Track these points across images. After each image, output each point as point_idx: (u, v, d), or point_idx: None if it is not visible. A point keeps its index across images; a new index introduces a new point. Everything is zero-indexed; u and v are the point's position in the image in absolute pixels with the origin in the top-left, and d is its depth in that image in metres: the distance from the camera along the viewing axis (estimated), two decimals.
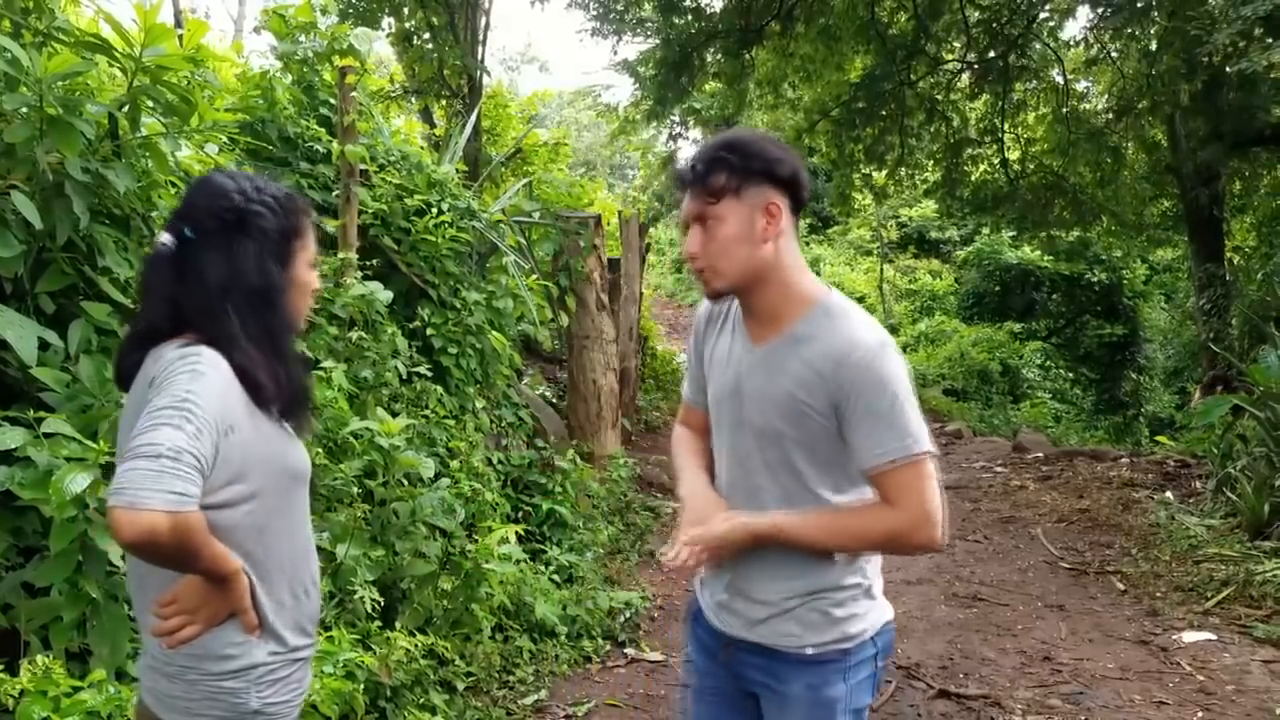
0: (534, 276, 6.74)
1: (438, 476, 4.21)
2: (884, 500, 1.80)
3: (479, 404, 5.57)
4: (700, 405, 2.11)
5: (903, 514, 1.78)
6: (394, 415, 4.11)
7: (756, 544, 1.85)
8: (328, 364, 4.06)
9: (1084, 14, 13.50)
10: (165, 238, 1.65)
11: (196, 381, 1.48)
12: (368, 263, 4.97)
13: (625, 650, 4.83)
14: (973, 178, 14.72)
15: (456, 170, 6.46)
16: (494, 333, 5.73)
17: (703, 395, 2.09)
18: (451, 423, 5.01)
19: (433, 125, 12.57)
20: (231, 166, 3.90)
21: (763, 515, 1.84)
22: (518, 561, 4.50)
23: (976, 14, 13.14)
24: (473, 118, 8.41)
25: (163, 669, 1.61)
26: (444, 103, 12.98)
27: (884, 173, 15.35)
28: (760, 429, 1.88)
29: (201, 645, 1.58)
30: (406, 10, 12.53)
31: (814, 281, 1.91)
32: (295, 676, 1.69)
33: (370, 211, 5.18)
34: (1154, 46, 11.65)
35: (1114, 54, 12.89)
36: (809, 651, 1.88)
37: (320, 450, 3.71)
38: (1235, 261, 15.19)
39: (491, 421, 5.77)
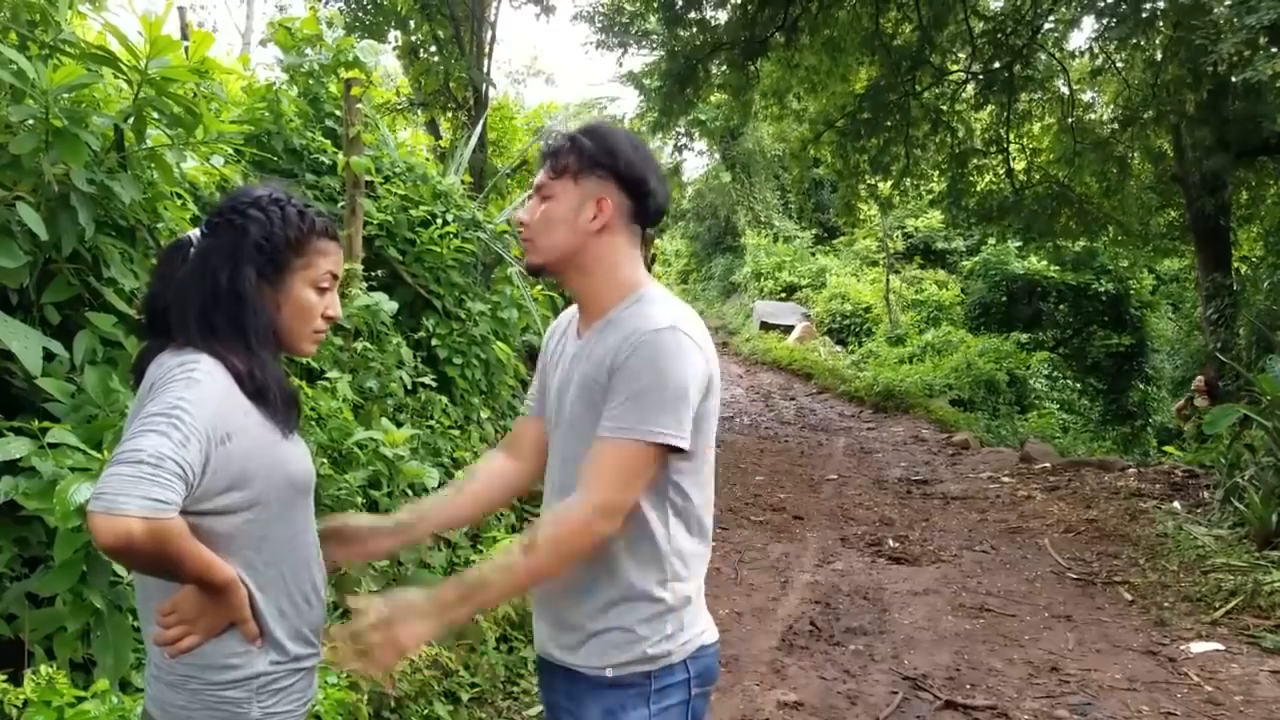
0: (538, 287, 6.76)
1: (442, 486, 4.21)
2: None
3: (484, 414, 5.58)
4: (534, 412, 2.10)
5: (576, 498, 1.71)
6: (399, 425, 4.12)
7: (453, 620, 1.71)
8: (333, 374, 4.06)
9: (1089, 24, 13.51)
10: (194, 232, 1.72)
11: (190, 389, 1.49)
12: (373, 274, 4.99)
13: None
14: (978, 188, 14.70)
15: (462, 182, 6.48)
16: (499, 343, 5.74)
17: (536, 402, 2.09)
18: (456, 433, 5.01)
19: (438, 137, 12.63)
20: (238, 179, 3.93)
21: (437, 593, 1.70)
22: None
23: (981, 25, 13.17)
24: (478, 129, 8.45)
25: (166, 678, 1.61)
26: (450, 115, 13.05)
27: (889, 183, 15.37)
28: (570, 420, 1.86)
29: (203, 655, 1.58)
30: (413, 23, 12.61)
31: (640, 275, 1.89)
32: (298, 686, 1.69)
33: (375, 223, 5.19)
34: (1159, 56, 11.67)
35: (1119, 64, 12.90)
36: (608, 674, 1.79)
37: (325, 460, 3.71)
38: (1242, 271, 15.17)
39: (496, 432, 5.77)
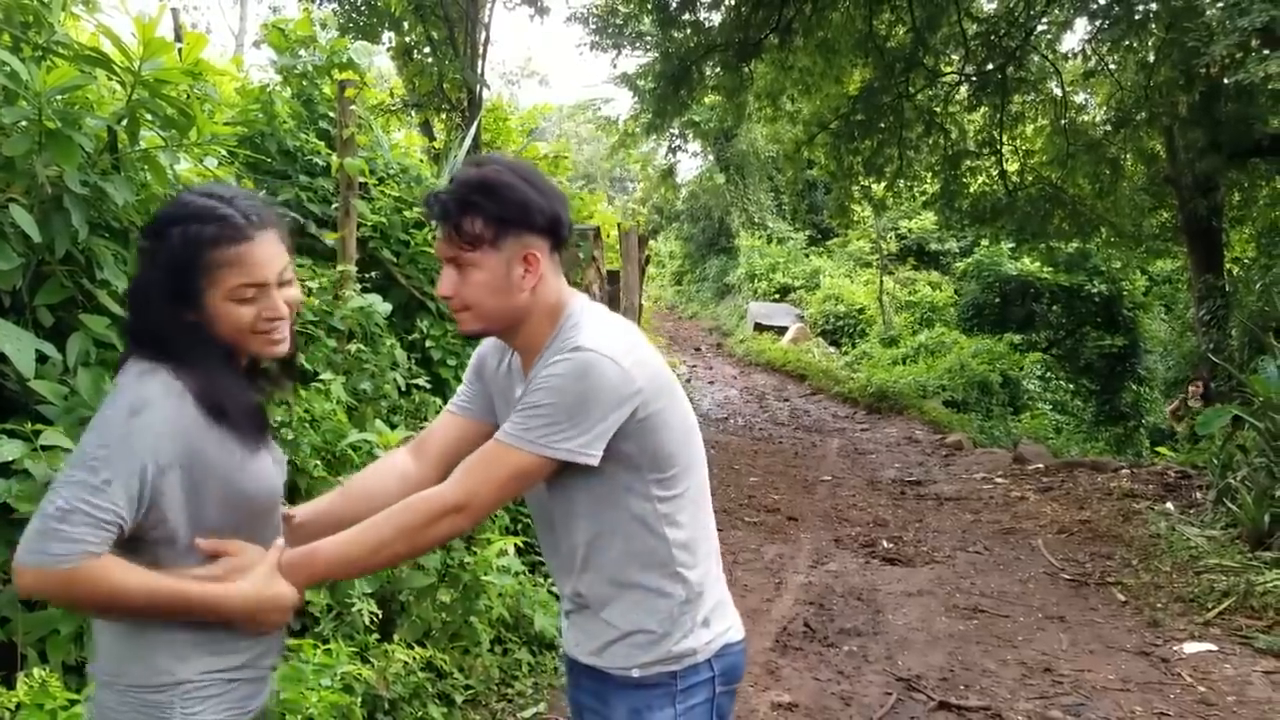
0: None
1: None
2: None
3: None
4: (466, 414, 2.03)
5: (441, 488, 1.71)
6: (393, 427, 4.11)
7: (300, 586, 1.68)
8: (326, 376, 4.06)
9: (1082, 26, 13.57)
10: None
11: (127, 422, 1.51)
12: (366, 275, 4.98)
13: None
14: (971, 189, 14.72)
15: None
16: None
17: (471, 405, 2.03)
18: None
19: (432, 138, 12.59)
20: (230, 180, 3.92)
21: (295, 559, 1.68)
22: (517, 574, 4.49)
23: (974, 27, 13.19)
24: (472, 131, 8.43)
25: (101, 677, 1.62)
26: (444, 116, 13.02)
27: (883, 185, 15.39)
28: None
29: (134, 658, 1.59)
30: (406, 25, 12.59)
31: (563, 295, 1.84)
32: (232, 696, 1.66)
33: (369, 224, 5.18)
34: (1152, 58, 11.70)
35: (1112, 66, 12.94)
36: (635, 674, 1.81)
37: (319, 462, 3.71)
38: (1234, 272, 15.22)
39: None
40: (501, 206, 1.73)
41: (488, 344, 2.02)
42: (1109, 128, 13.45)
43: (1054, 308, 19.79)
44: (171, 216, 1.63)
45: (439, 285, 1.81)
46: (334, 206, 4.95)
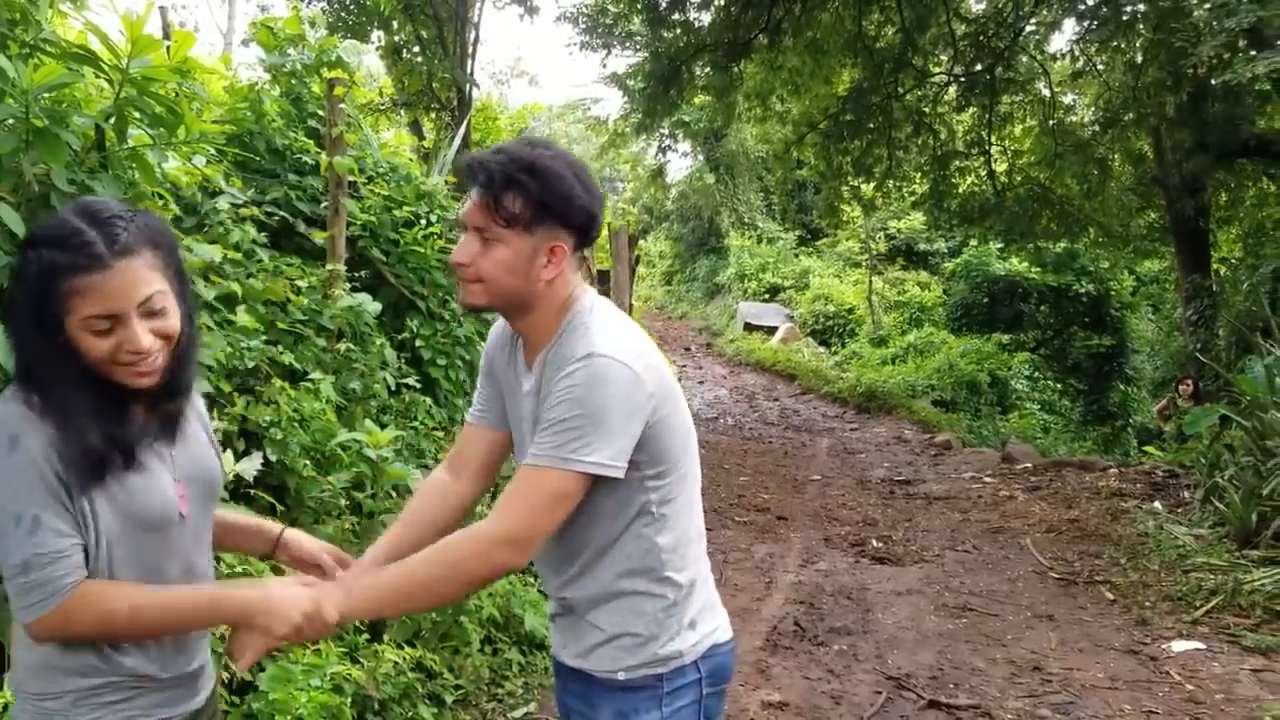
0: None
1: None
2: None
3: (468, 415, 5.55)
4: (485, 422, 2.04)
5: (483, 524, 1.69)
6: (382, 427, 4.10)
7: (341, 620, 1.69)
8: (316, 375, 4.05)
9: (1070, 27, 13.60)
10: None
11: (5, 460, 1.49)
12: (356, 274, 4.97)
13: None
14: (960, 190, 14.77)
15: (445, 182, 6.46)
16: (483, 344, 5.72)
17: (489, 411, 2.03)
18: (440, 434, 4.99)
19: (422, 137, 12.59)
20: (220, 179, 3.90)
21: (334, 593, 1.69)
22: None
23: (963, 27, 13.23)
24: (461, 129, 8.43)
25: (15, 689, 1.62)
26: (433, 115, 13.02)
27: (872, 185, 15.42)
28: None
29: (33, 662, 1.58)
30: (396, 23, 12.58)
31: (574, 289, 1.82)
32: (138, 703, 1.62)
33: (359, 223, 5.17)
34: (1139, 59, 11.75)
35: (1100, 66, 12.99)
36: (620, 677, 1.80)
37: (308, 462, 3.70)
38: (1221, 272, 15.29)
39: None
40: (547, 193, 1.70)
41: (494, 343, 2.02)
42: (1097, 128, 13.51)
43: (1042, 308, 19.84)
44: (33, 238, 1.56)
45: (457, 251, 1.78)
46: (323, 205, 4.93)
